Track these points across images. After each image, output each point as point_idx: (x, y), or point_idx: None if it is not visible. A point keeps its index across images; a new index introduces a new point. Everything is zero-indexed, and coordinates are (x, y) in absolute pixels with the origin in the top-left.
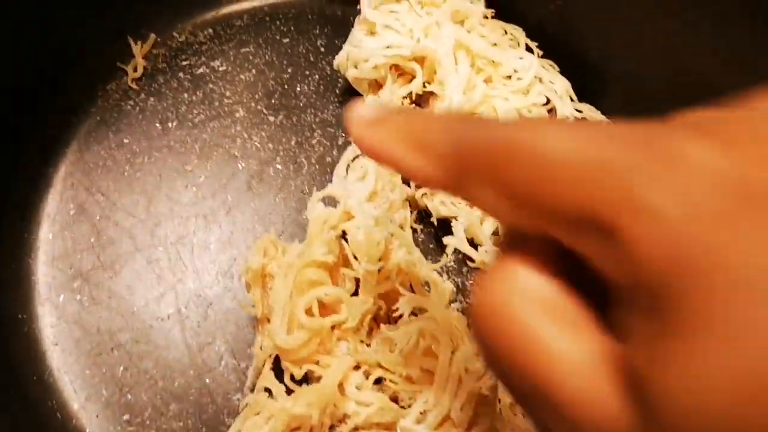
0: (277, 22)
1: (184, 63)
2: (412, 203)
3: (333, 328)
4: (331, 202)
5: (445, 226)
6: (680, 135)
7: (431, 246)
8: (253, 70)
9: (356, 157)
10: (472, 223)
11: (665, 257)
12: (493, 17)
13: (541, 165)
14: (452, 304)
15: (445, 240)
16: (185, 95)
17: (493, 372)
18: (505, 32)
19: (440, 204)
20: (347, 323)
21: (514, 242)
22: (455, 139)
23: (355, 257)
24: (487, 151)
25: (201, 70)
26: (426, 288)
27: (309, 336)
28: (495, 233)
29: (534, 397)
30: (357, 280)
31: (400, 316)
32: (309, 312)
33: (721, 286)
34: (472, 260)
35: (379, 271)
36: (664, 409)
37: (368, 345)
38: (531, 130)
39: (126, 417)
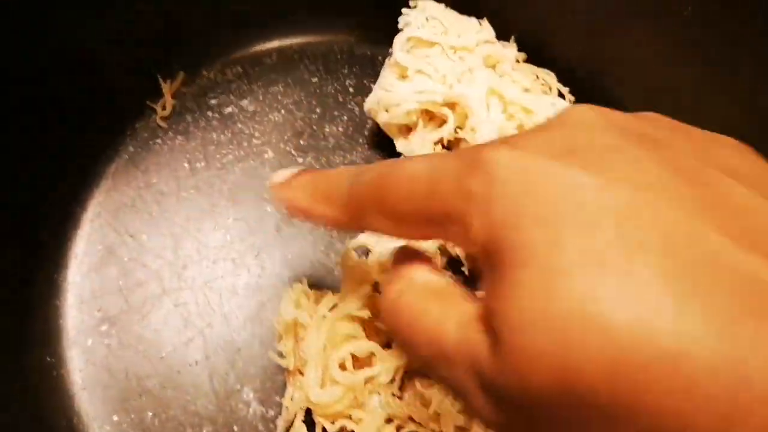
0: (306, 61)
1: (213, 102)
2: (444, 251)
3: (366, 382)
4: (364, 250)
5: (477, 274)
6: (487, 145)
7: None
8: (282, 110)
9: None
10: None
11: (489, 224)
12: (525, 61)
13: (404, 186)
14: None
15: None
16: (213, 135)
17: (404, 351)
18: (537, 77)
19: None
20: (380, 378)
21: (403, 255)
22: (348, 186)
23: None
24: (369, 188)
25: (230, 110)
26: None
27: (343, 391)
28: None
29: (431, 357)
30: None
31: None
32: (342, 366)
33: (525, 238)
34: None
35: None
36: (505, 334)
37: (400, 398)
38: (395, 164)
39: None
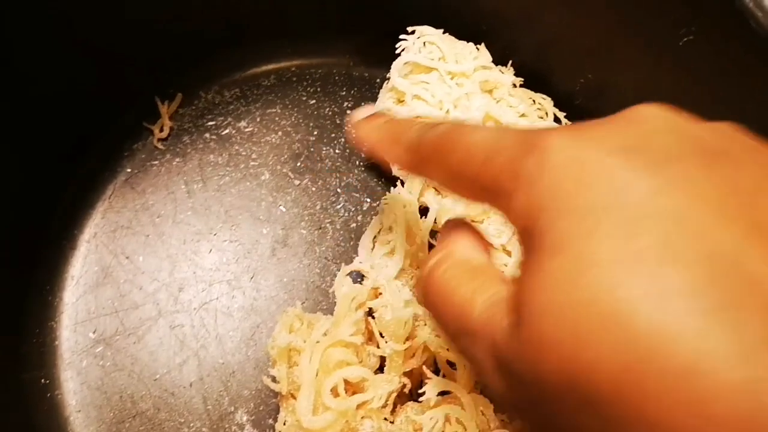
0: (304, 83)
1: (210, 123)
2: None
3: (358, 407)
4: (358, 275)
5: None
6: (548, 130)
7: None
8: (279, 132)
9: (381, 229)
10: None
11: (531, 205)
12: (521, 86)
13: (464, 149)
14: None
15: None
16: (211, 156)
17: (433, 321)
18: (533, 101)
19: None
20: (372, 404)
21: (453, 225)
22: (417, 137)
23: (381, 335)
24: (436, 141)
25: (227, 131)
26: (452, 366)
27: (335, 417)
28: None
29: (456, 331)
30: (382, 357)
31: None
32: (335, 392)
33: (563, 226)
34: None
35: (405, 349)
36: (525, 318)
37: (392, 422)
38: (463, 127)
39: None
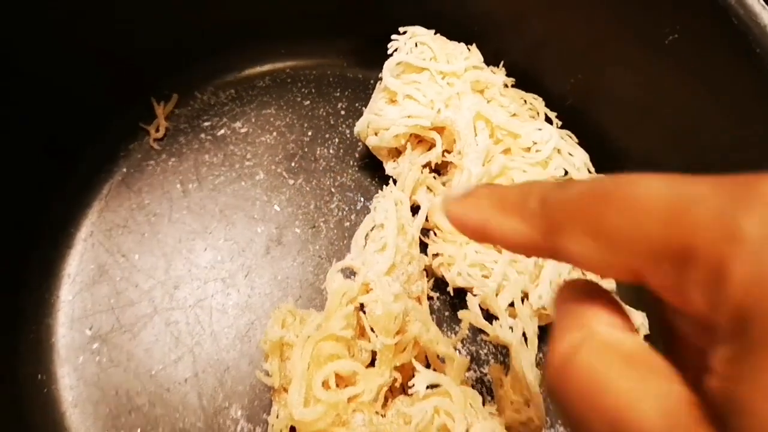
0: (299, 84)
1: (206, 124)
2: (429, 272)
3: (349, 400)
4: (350, 271)
5: (461, 294)
6: (765, 178)
7: (447, 314)
8: (274, 133)
9: (374, 227)
10: (487, 296)
11: (758, 280)
12: (513, 86)
13: (637, 206)
14: (467, 373)
15: (460, 314)
16: (206, 156)
17: (570, 426)
18: (525, 101)
19: (457, 275)
20: (363, 397)
21: (577, 292)
22: (541, 197)
23: (372, 330)
24: (579, 201)
25: (222, 132)
26: (442, 361)
27: (326, 409)
28: (511, 305)
29: None
30: (373, 352)
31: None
32: (326, 385)
33: None
34: (487, 334)
35: (395, 344)
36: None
37: (383, 416)
38: (620, 179)
39: None
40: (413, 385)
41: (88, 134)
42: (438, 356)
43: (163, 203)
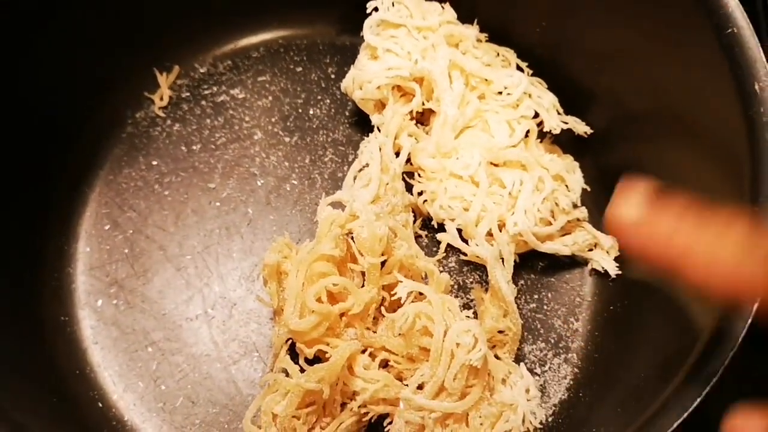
0: (291, 53)
1: (207, 92)
2: (416, 210)
3: (342, 315)
4: (339, 207)
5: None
6: None
7: (434, 250)
8: (270, 97)
9: (362, 168)
10: (467, 224)
11: None
12: (486, 41)
13: None
14: (455, 300)
15: (439, 236)
16: (208, 121)
17: None
18: (498, 54)
19: (439, 209)
20: (353, 310)
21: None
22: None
23: (361, 254)
24: None
25: (222, 98)
26: (425, 279)
27: (319, 320)
28: (489, 234)
29: None
30: (363, 275)
31: (401, 306)
32: (319, 300)
33: None
34: (464, 254)
35: (382, 265)
36: None
37: (374, 332)
38: None
39: (160, 405)
40: (395, 293)
41: (96, 103)
42: (422, 276)
43: (170, 164)
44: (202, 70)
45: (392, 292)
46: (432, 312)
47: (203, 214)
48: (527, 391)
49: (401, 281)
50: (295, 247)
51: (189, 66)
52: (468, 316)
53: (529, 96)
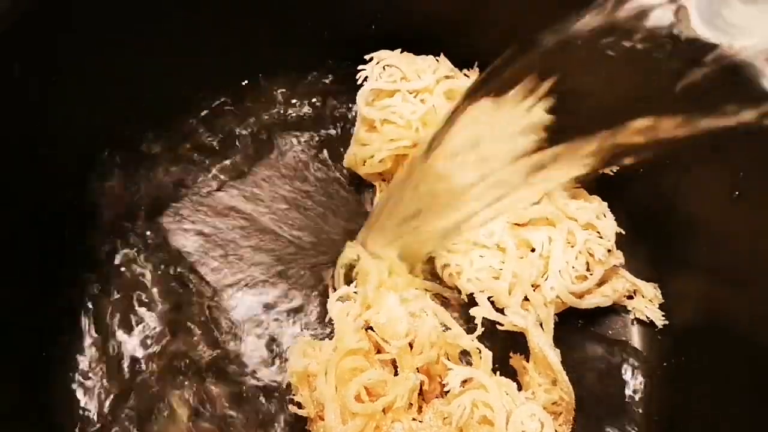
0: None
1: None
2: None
3: (385, 411)
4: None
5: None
6: None
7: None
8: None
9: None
10: (499, 294)
11: None
12: None
13: None
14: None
15: (472, 311)
16: None
17: None
18: None
19: (467, 282)
20: (397, 402)
21: None
22: None
23: (386, 341)
24: None
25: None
26: (464, 358)
27: (364, 422)
28: (526, 299)
29: None
30: (393, 363)
31: (448, 391)
32: (358, 399)
33: None
34: (501, 324)
35: (411, 346)
36: None
37: (420, 422)
38: None
39: None
40: (446, 383)
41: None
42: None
43: None
44: None
45: (444, 382)
46: (490, 399)
47: None
48: None
49: (451, 368)
50: (317, 344)
51: None
52: (527, 397)
53: None
